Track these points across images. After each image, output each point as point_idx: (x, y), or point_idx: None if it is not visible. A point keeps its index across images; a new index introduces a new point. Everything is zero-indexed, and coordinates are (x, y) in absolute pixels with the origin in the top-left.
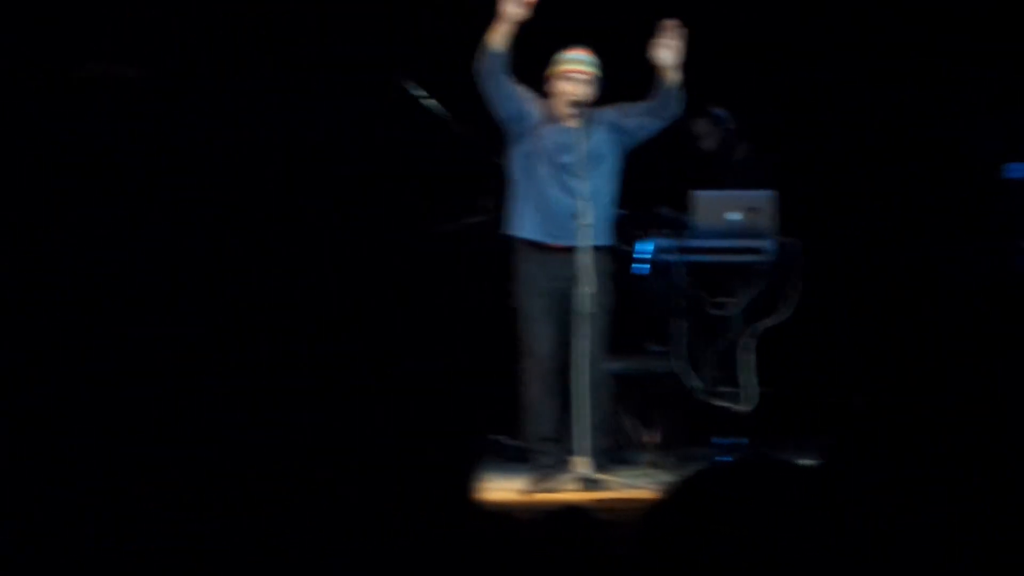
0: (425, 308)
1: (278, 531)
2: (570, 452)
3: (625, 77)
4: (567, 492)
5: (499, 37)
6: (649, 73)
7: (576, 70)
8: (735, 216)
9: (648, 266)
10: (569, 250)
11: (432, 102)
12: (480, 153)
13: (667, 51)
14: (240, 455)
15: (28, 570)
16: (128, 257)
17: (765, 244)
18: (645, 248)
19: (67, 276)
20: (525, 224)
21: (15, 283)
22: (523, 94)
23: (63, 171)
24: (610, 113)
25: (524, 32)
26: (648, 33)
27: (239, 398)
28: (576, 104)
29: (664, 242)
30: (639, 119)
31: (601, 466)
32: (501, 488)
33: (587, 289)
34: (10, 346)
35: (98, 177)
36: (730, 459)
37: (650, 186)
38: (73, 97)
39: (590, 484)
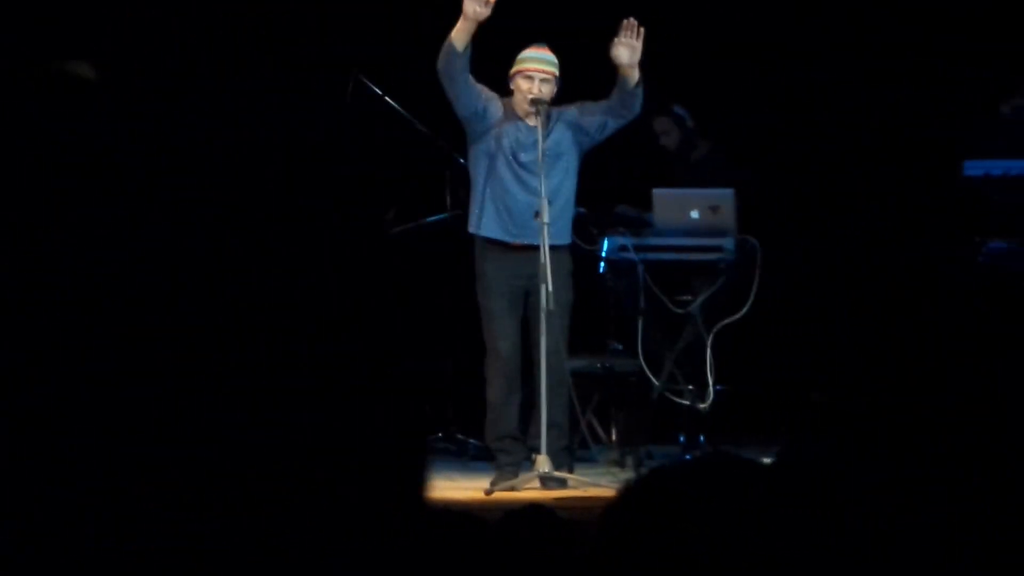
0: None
1: (232, 535)
2: (532, 450)
3: (585, 76)
4: (528, 490)
5: (462, 36)
6: (609, 72)
7: (536, 69)
8: (695, 214)
9: (609, 265)
10: (530, 248)
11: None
12: (442, 152)
13: (626, 50)
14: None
15: (27, 570)
16: (98, 257)
17: (725, 242)
18: (606, 246)
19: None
20: (486, 223)
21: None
22: (484, 93)
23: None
24: (570, 112)
25: (486, 31)
26: (608, 32)
27: (202, 398)
28: (536, 102)
29: (624, 240)
30: (599, 118)
31: (562, 464)
32: (463, 487)
33: (548, 287)
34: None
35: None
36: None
37: (610, 184)
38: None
39: (551, 482)
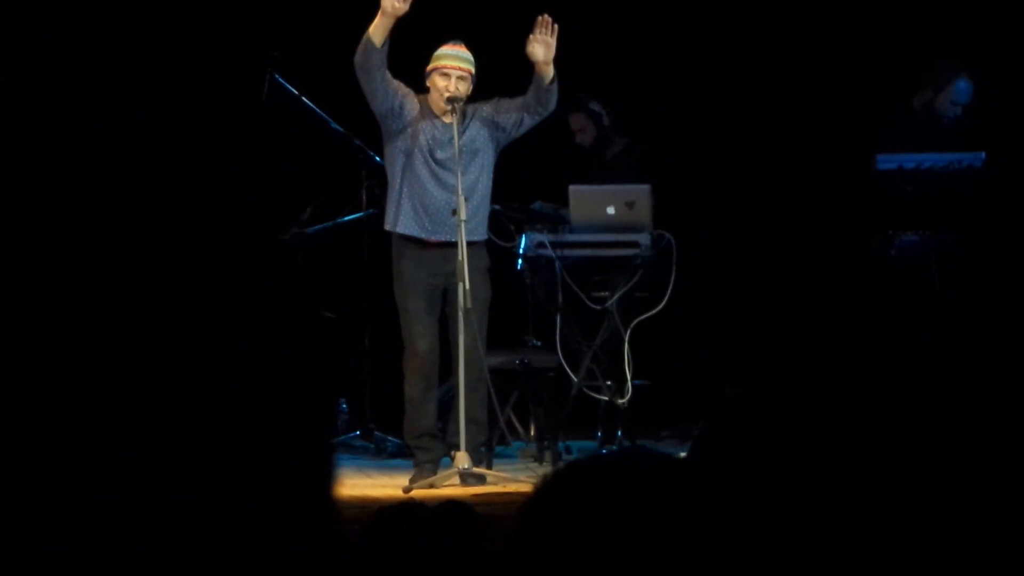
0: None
1: (136, 539)
2: (450, 447)
3: (501, 73)
4: (447, 487)
5: (380, 31)
6: (525, 69)
7: (453, 66)
8: (611, 210)
9: (526, 261)
10: (447, 245)
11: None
12: (358, 150)
13: (541, 47)
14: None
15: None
16: None
17: (641, 238)
18: (523, 243)
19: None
20: (403, 220)
21: None
22: (401, 89)
23: None
24: (486, 109)
25: (403, 27)
26: (523, 29)
27: (102, 400)
28: (452, 99)
29: (542, 237)
30: (514, 115)
31: (481, 461)
32: (381, 484)
33: (466, 285)
34: None
35: None
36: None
37: (527, 181)
38: None
39: (470, 479)
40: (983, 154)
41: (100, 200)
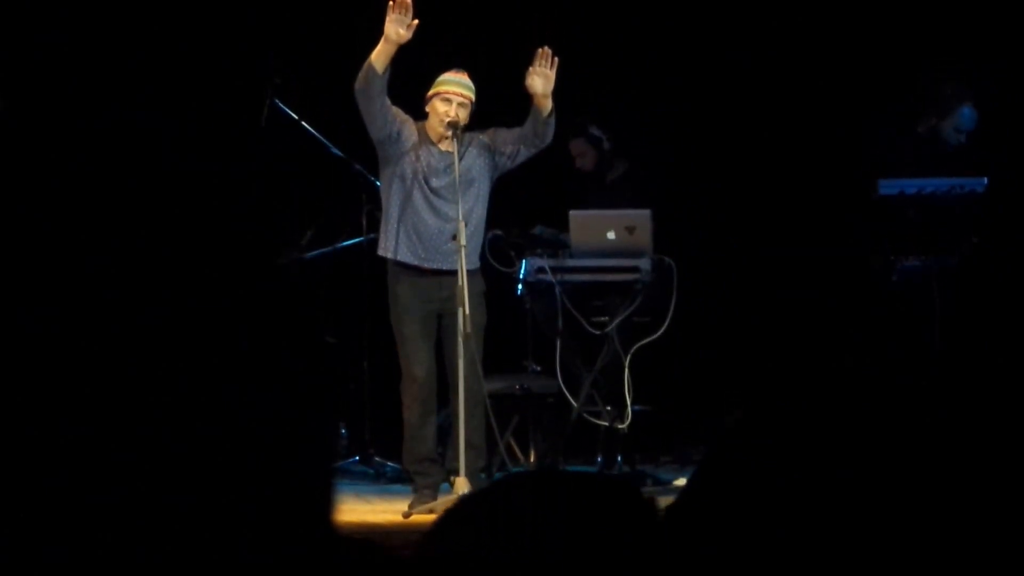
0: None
1: (133, 563)
2: (450, 472)
3: (500, 103)
4: None
5: (382, 58)
6: (523, 99)
7: (455, 92)
8: (612, 235)
9: (526, 286)
10: (441, 273)
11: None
12: (358, 175)
13: (540, 79)
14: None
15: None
16: None
17: (641, 263)
18: (523, 268)
19: None
20: (398, 247)
21: None
22: (400, 116)
23: None
24: (483, 138)
25: (403, 55)
26: (523, 60)
27: (101, 426)
28: (451, 125)
29: (542, 262)
30: (511, 146)
31: (480, 486)
32: (381, 510)
33: (465, 311)
34: None
35: None
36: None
37: (528, 206)
38: None
39: None
40: (985, 180)
41: (97, 208)
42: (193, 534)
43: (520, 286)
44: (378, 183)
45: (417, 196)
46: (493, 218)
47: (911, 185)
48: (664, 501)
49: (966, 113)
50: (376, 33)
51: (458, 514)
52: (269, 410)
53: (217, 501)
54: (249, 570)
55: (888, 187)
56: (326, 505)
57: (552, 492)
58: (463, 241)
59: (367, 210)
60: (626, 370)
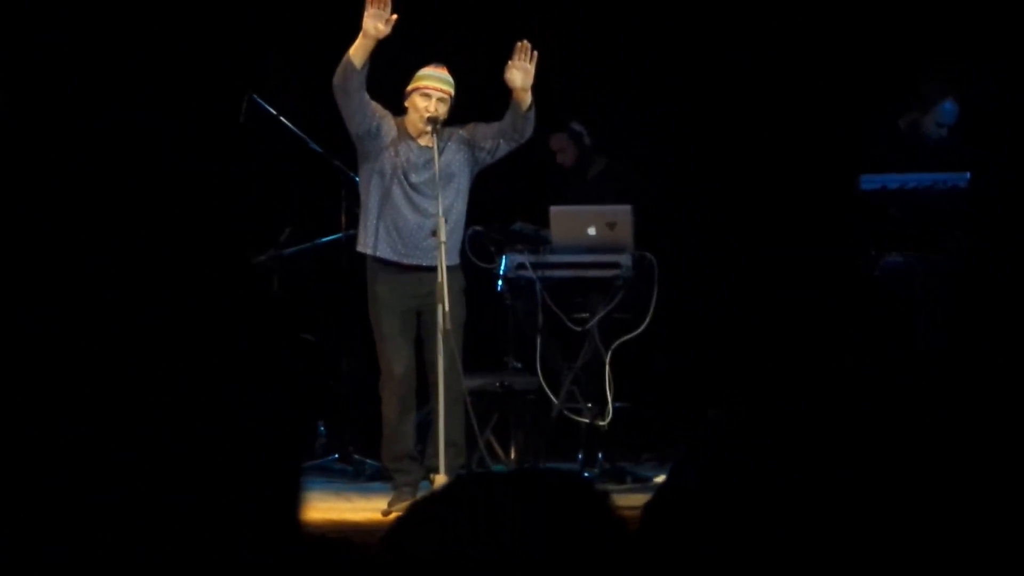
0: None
1: (94, 564)
2: (429, 470)
3: (479, 98)
4: None
5: (360, 53)
6: (503, 94)
7: (434, 87)
8: (592, 231)
9: (506, 282)
10: (420, 269)
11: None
12: (337, 171)
13: (520, 73)
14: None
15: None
16: None
17: (622, 259)
18: (504, 264)
19: None
20: (378, 243)
21: None
22: (379, 111)
23: None
24: (462, 133)
25: (381, 50)
26: (503, 55)
27: (70, 419)
28: (431, 121)
29: (522, 258)
30: (490, 140)
31: None
32: (360, 508)
33: (445, 307)
34: None
35: None
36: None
37: (508, 202)
38: None
39: None
40: (968, 175)
41: (76, 210)
42: (165, 531)
43: (500, 282)
44: (357, 179)
45: (396, 192)
46: (473, 214)
47: (893, 180)
48: (645, 498)
49: (947, 108)
50: (355, 28)
51: (419, 513)
52: (237, 409)
53: (185, 499)
54: (217, 568)
55: (870, 182)
56: (294, 504)
57: (509, 490)
58: (443, 237)
59: (346, 207)
60: (607, 367)
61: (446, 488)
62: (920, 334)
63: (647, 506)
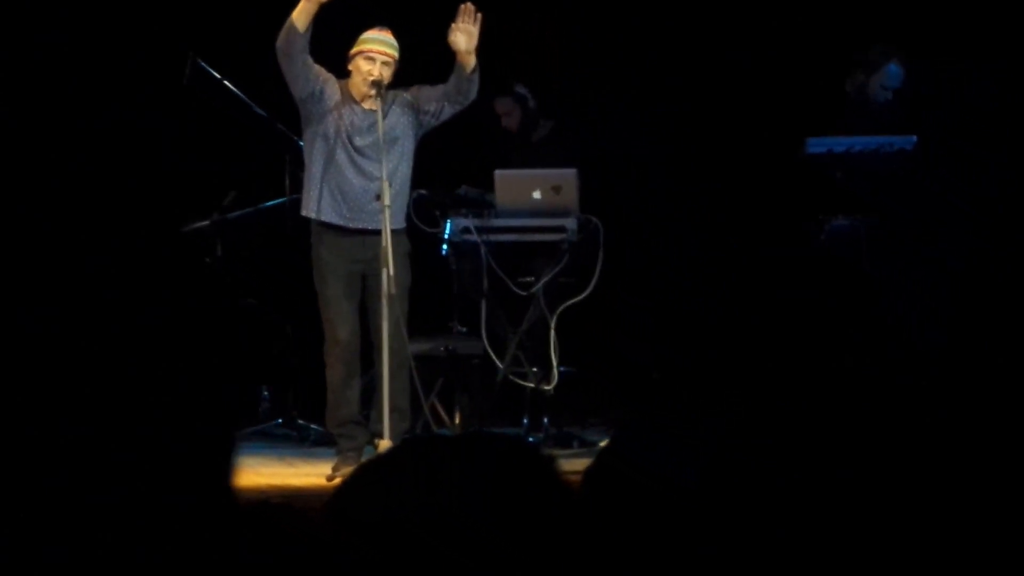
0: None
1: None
2: (374, 435)
3: (424, 60)
4: None
5: (303, 16)
6: (448, 57)
7: (378, 51)
8: (537, 195)
9: (451, 247)
10: (366, 232)
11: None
12: (281, 135)
13: (463, 36)
14: None
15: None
16: None
17: (567, 222)
18: (448, 228)
19: None
20: (321, 206)
21: None
22: (322, 74)
23: None
24: (406, 96)
25: (326, 13)
26: (447, 17)
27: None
28: (375, 84)
29: (467, 222)
30: (434, 103)
31: None
32: (304, 473)
33: (390, 271)
34: None
35: None
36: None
37: (452, 166)
38: None
39: None
40: (914, 138)
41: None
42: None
43: (445, 247)
44: (301, 143)
45: (341, 155)
46: (418, 178)
47: (840, 144)
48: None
49: (892, 70)
50: None
51: (364, 477)
52: (164, 374)
53: (116, 465)
54: (150, 531)
55: (816, 145)
56: (225, 471)
57: (454, 454)
58: (387, 201)
59: (290, 171)
60: (552, 331)
61: (391, 452)
62: (918, 333)
63: (588, 471)
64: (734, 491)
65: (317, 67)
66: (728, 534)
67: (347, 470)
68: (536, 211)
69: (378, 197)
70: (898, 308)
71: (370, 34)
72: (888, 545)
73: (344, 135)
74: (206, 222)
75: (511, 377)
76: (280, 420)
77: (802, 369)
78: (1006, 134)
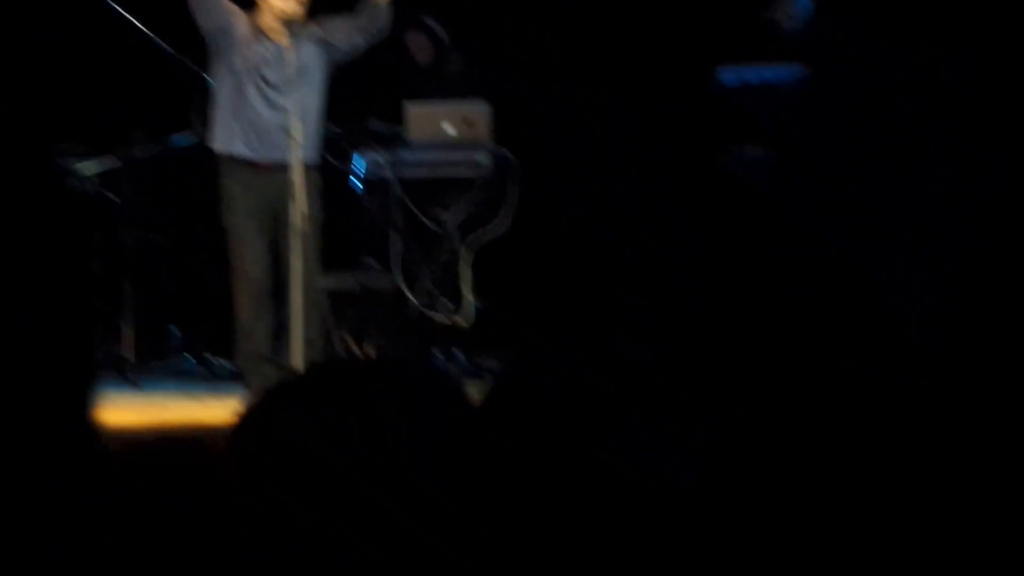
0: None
1: None
2: (284, 370)
3: None
4: None
5: None
6: None
7: None
8: (449, 128)
9: (363, 182)
10: (277, 167)
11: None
12: (187, 70)
13: None
14: None
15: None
16: None
17: (479, 156)
18: (359, 163)
19: None
20: (232, 141)
21: None
22: (229, 7)
23: None
24: (317, 29)
25: None
26: None
27: None
28: (284, 18)
29: (377, 156)
30: (347, 35)
31: None
32: (214, 407)
33: (299, 207)
34: None
35: None
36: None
37: (363, 99)
38: None
39: None
40: (823, 67)
41: None
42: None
43: (355, 181)
44: (210, 79)
45: (251, 90)
46: (326, 112)
47: (753, 74)
48: None
49: (801, 1)
50: None
51: (272, 401)
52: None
53: None
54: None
55: (730, 76)
56: (86, 405)
57: (362, 378)
58: (297, 136)
59: (198, 107)
60: (467, 265)
61: (297, 378)
62: (917, 332)
63: (488, 392)
64: (734, 491)
65: (224, 0)
66: (728, 534)
67: None
68: (448, 144)
69: (288, 132)
70: (898, 308)
71: None
72: (888, 545)
73: (254, 69)
74: (117, 163)
75: (424, 312)
76: (189, 355)
77: (801, 369)
78: (986, 121)
